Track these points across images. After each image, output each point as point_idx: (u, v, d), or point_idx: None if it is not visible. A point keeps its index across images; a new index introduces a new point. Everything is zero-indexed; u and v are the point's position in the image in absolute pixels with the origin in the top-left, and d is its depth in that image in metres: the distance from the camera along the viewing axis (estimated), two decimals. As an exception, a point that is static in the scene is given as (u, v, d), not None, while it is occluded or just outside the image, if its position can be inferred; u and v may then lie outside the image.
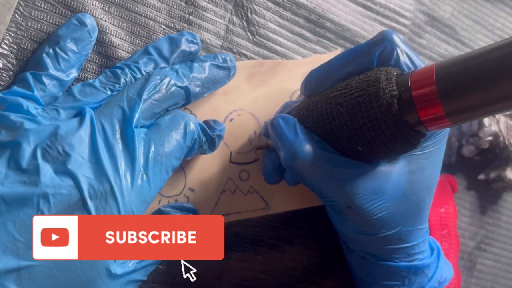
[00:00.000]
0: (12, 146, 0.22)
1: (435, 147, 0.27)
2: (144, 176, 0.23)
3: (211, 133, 0.28)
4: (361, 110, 0.23)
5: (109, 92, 0.25)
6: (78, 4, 0.27)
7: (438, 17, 0.41)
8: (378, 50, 0.25)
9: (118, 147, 0.23)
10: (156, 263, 0.26)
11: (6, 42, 0.26)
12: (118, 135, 0.23)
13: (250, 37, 0.33)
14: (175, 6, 0.31)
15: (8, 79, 0.26)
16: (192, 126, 0.26)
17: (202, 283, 0.32)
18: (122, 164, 0.23)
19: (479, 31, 0.44)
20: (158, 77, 0.25)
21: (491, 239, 0.45)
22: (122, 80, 0.26)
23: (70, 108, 0.24)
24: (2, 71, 0.26)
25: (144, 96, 0.24)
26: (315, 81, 0.28)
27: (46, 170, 0.21)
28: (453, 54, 0.42)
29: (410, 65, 0.25)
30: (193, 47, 0.29)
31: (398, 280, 0.29)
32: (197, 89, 0.27)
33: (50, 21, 0.27)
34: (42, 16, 0.27)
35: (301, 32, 0.35)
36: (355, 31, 0.37)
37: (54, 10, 0.27)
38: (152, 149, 0.24)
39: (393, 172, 0.26)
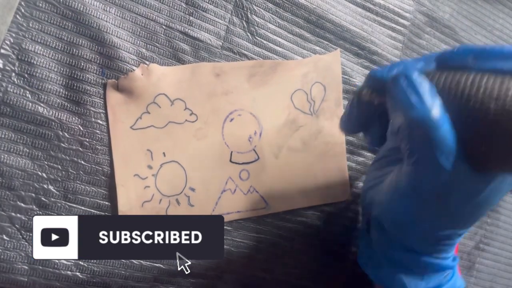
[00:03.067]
0: None
1: None
2: None
3: None
4: None
5: None
6: (79, 5, 0.28)
7: (438, 18, 0.41)
8: None
9: None
10: None
11: (8, 43, 0.26)
12: None
13: (250, 37, 0.33)
14: (175, 7, 0.31)
15: (9, 79, 0.26)
16: None
17: (202, 283, 0.32)
18: None
19: (478, 32, 0.44)
20: None
21: (490, 238, 0.45)
22: None
23: None
24: (3, 71, 0.26)
25: None
26: (461, 59, 0.26)
27: None
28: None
29: None
30: None
31: (420, 273, 0.29)
32: None
33: (51, 22, 0.27)
34: (43, 17, 0.27)
35: (301, 33, 0.35)
36: (355, 31, 0.37)
37: (55, 11, 0.27)
38: None
39: (491, 184, 0.26)
